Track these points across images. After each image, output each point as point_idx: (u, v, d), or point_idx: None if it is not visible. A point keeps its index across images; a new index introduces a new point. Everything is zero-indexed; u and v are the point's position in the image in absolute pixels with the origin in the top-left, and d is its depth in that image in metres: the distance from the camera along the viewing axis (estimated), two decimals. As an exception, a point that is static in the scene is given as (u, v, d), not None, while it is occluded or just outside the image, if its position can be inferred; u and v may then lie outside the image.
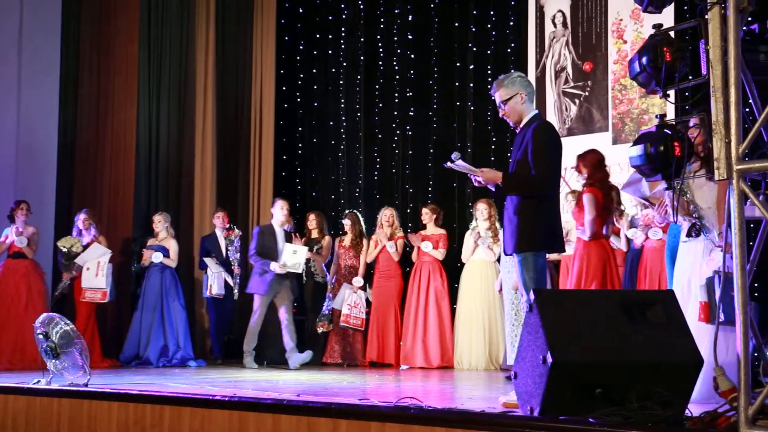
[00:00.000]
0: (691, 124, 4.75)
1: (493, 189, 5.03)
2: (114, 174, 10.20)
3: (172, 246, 9.38)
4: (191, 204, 10.92)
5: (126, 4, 10.41)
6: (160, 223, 9.44)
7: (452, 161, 5.03)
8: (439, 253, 9.27)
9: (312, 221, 9.81)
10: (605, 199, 6.71)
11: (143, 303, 9.23)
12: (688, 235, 5.02)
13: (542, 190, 4.87)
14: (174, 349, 9.16)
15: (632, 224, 8.02)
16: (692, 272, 5.07)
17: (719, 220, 4.92)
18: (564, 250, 5.32)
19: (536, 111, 5.11)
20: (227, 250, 9.95)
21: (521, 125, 5.06)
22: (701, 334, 4.61)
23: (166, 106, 10.94)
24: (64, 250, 8.93)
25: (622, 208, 8.25)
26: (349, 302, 9.31)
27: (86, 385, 5.63)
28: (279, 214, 9.16)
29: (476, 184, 5.06)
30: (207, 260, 9.71)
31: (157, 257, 9.22)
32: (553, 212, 4.93)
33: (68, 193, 10.25)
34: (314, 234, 9.77)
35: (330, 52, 11.97)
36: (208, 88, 11.15)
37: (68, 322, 5.98)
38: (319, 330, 9.43)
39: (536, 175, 4.84)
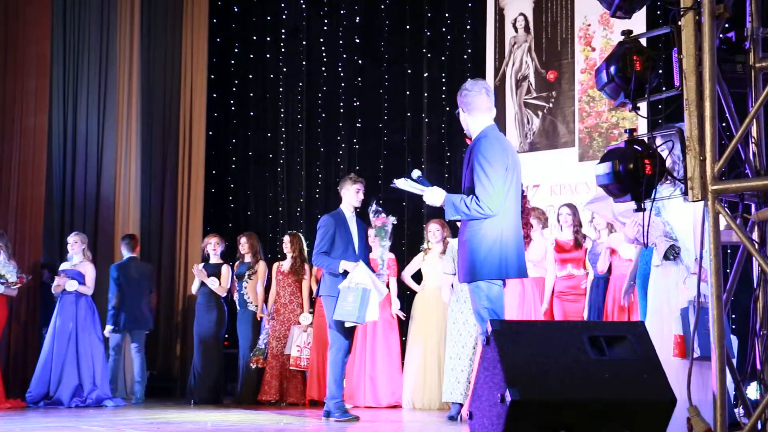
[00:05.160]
0: (659, 142, 4.81)
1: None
2: (22, 189, 9.97)
3: (89, 271, 9.20)
4: (112, 223, 10.76)
5: (36, -7, 10.20)
6: (75, 244, 9.26)
7: (413, 179, 5.06)
8: (393, 282, 9.29)
9: (244, 244, 9.74)
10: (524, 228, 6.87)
11: (54, 335, 9.04)
12: (666, 257, 5.05)
13: (482, 213, 4.84)
14: (90, 388, 8.98)
15: (592, 254, 8.02)
16: (665, 301, 5.11)
17: (697, 245, 4.96)
18: (525, 275, 5.30)
19: (489, 124, 5.09)
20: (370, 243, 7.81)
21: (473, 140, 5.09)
22: (675, 369, 4.65)
23: (83, 113, 10.78)
24: None
25: (584, 232, 8.32)
26: (298, 343, 9.27)
27: (-13, 428, 5.50)
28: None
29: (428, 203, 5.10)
30: (345, 264, 7.18)
31: (72, 285, 9.03)
32: (505, 235, 4.90)
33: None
34: (247, 258, 9.70)
35: (268, 55, 11.96)
36: (132, 93, 11.04)
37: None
38: (253, 366, 9.35)
39: (476, 196, 4.84)
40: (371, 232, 7.90)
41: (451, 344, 7.71)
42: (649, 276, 5.44)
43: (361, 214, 7.57)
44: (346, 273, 7.08)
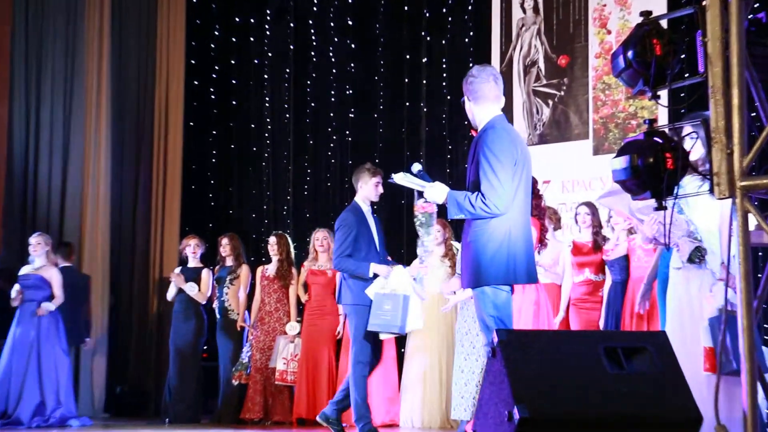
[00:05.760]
0: (687, 130, 4.78)
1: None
2: (-21, 186, 10.00)
3: (54, 276, 9.15)
4: (80, 224, 10.74)
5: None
6: (39, 246, 9.22)
7: (412, 174, 5.05)
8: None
9: (225, 246, 9.73)
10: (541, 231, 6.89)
11: (13, 348, 9.00)
12: (690, 260, 5.02)
13: (489, 211, 4.83)
14: (53, 406, 8.95)
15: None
16: (686, 307, 5.09)
17: (723, 247, 4.94)
18: (535, 281, 5.29)
19: (497, 114, 5.07)
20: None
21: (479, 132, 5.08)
22: (701, 384, 4.63)
23: (47, 101, 10.77)
24: None
25: (603, 232, 8.30)
26: (284, 355, 9.25)
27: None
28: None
29: (429, 201, 5.09)
30: (375, 267, 6.95)
31: (48, 307, 8.92)
32: (513, 236, 4.88)
33: None
34: (228, 262, 9.69)
35: (252, 39, 11.94)
36: (102, 80, 11.02)
37: None
38: (235, 382, 9.33)
39: (481, 193, 4.83)
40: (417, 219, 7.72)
41: (456, 355, 7.69)
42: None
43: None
44: (374, 276, 6.83)
